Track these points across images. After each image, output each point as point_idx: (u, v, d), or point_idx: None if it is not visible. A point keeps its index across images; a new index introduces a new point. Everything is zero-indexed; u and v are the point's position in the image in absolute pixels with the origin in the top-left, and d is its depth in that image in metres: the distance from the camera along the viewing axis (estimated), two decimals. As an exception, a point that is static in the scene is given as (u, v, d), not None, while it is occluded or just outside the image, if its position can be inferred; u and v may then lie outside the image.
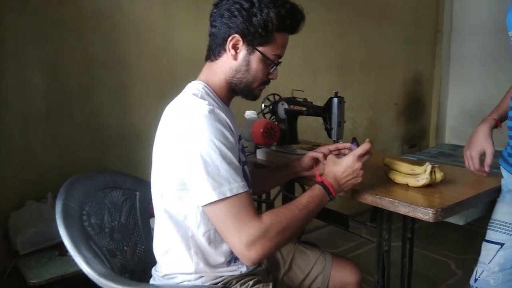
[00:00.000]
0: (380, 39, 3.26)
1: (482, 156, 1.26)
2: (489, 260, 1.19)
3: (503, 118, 1.26)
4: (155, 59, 2.07)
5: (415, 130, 3.77)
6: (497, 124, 1.27)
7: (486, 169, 1.25)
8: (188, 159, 0.89)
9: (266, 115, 1.85)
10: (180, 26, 2.14)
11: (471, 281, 1.23)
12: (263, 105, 1.84)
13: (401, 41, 3.46)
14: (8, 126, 1.70)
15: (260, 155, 1.63)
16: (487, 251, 1.21)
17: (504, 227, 1.18)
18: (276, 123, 1.79)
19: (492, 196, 1.19)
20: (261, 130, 1.59)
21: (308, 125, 2.59)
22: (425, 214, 0.95)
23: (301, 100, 1.77)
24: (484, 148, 1.24)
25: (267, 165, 1.54)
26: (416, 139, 3.77)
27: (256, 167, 1.58)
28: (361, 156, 1.04)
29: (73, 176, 1.15)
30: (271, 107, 1.83)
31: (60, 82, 1.81)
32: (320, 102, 1.75)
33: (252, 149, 1.70)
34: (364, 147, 1.04)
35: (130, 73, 2.00)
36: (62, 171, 1.79)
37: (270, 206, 1.84)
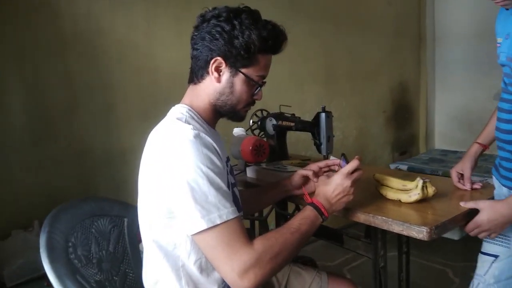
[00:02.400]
0: (364, 48, 3.28)
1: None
2: (485, 272, 1.19)
3: (490, 139, 1.29)
4: (138, 77, 2.05)
5: (405, 137, 3.78)
6: (483, 148, 1.30)
7: (466, 187, 1.28)
8: (174, 187, 0.87)
9: (254, 132, 1.84)
10: (162, 43, 2.12)
11: None
12: (251, 121, 1.83)
13: (385, 49, 3.49)
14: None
15: (250, 173, 1.61)
16: (482, 263, 1.21)
17: (498, 239, 1.17)
18: (265, 139, 1.78)
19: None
20: (250, 147, 1.58)
21: (298, 138, 2.58)
22: (419, 233, 0.94)
23: (289, 115, 1.75)
24: (462, 170, 1.29)
25: (257, 184, 1.52)
26: (406, 146, 3.79)
27: (246, 185, 1.56)
28: (350, 174, 1.03)
29: (57, 206, 1.11)
30: (259, 123, 1.82)
31: (42, 105, 1.78)
32: (308, 115, 1.75)
33: (242, 167, 1.68)
34: (353, 164, 1.03)
35: (113, 92, 1.97)
36: (48, 196, 1.75)
37: (263, 223, 1.82)
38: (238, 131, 1.74)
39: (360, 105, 3.29)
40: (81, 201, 1.20)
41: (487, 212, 1.05)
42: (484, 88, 3.31)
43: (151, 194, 0.94)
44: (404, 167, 3.09)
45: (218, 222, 0.85)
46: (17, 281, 1.49)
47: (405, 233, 0.97)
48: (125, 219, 1.26)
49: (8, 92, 1.69)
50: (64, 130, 1.83)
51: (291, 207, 1.65)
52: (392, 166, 3.17)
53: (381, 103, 3.51)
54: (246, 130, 1.79)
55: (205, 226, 0.84)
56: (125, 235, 1.25)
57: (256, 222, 1.88)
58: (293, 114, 1.77)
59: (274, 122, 1.75)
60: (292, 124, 1.70)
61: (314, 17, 2.86)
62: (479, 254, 1.22)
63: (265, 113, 1.83)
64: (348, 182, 1.01)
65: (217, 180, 0.88)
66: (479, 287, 1.20)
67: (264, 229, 1.82)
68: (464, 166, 1.28)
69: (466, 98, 3.58)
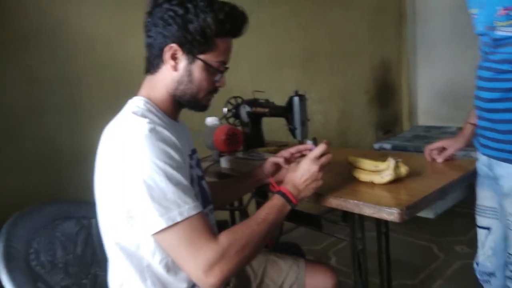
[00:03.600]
0: (344, 28, 3.22)
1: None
2: (483, 245, 1.23)
3: None
4: (105, 71, 1.95)
5: (389, 116, 3.76)
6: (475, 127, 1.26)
7: (438, 159, 1.30)
8: (131, 186, 0.82)
9: (229, 120, 1.79)
10: (133, 33, 2.03)
11: (474, 264, 1.30)
12: (225, 109, 1.77)
13: (365, 27, 3.43)
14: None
15: (224, 163, 1.56)
16: (480, 236, 1.25)
17: (488, 212, 1.19)
18: (240, 127, 1.73)
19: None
20: (223, 137, 1.53)
21: (278, 124, 2.52)
22: (390, 214, 0.91)
23: (263, 101, 1.70)
24: (448, 146, 1.30)
25: (231, 174, 1.48)
26: (390, 125, 3.77)
27: (220, 176, 1.51)
28: (317, 158, 0.99)
29: (16, 213, 1.06)
30: (233, 111, 1.77)
31: (4, 105, 1.69)
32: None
33: (216, 157, 1.63)
34: (320, 148, 0.99)
35: (81, 89, 1.89)
36: (16, 201, 1.67)
37: (244, 213, 1.78)
38: (211, 120, 1.68)
39: (341, 87, 3.25)
40: (42, 206, 1.14)
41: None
42: (468, 60, 3.25)
43: (108, 194, 0.89)
44: (388, 146, 3.08)
45: (179, 219, 0.81)
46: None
47: (376, 215, 0.94)
48: (93, 220, 1.21)
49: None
50: (29, 130, 1.75)
51: (271, 195, 1.62)
52: (376, 146, 3.15)
53: (363, 83, 3.47)
54: (221, 119, 1.73)
55: (164, 225, 0.80)
56: (93, 236, 1.20)
57: (236, 213, 1.84)
58: (267, 100, 1.72)
59: (248, 109, 1.70)
60: (266, 110, 1.65)
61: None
62: (477, 228, 1.25)
63: (239, 100, 1.78)
64: (315, 167, 0.97)
65: (176, 175, 0.83)
66: (481, 259, 1.25)
67: (245, 218, 1.78)
68: (452, 143, 1.28)
69: (450, 72, 3.55)
